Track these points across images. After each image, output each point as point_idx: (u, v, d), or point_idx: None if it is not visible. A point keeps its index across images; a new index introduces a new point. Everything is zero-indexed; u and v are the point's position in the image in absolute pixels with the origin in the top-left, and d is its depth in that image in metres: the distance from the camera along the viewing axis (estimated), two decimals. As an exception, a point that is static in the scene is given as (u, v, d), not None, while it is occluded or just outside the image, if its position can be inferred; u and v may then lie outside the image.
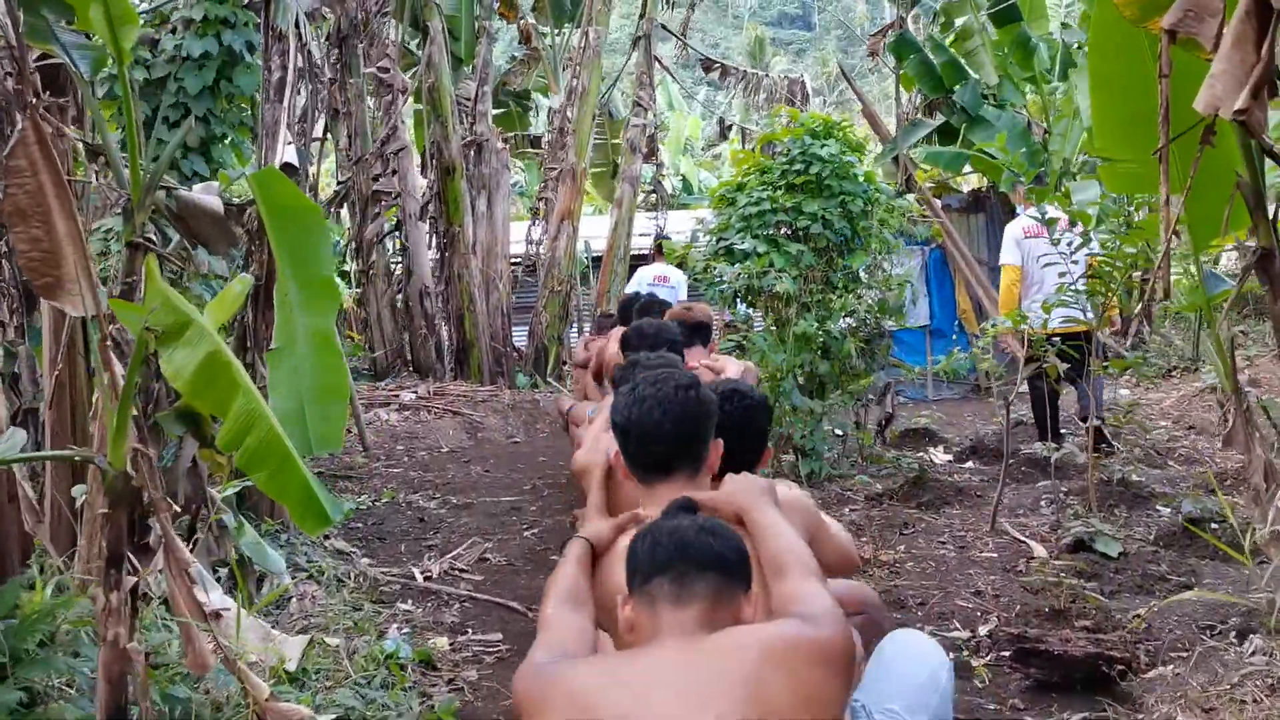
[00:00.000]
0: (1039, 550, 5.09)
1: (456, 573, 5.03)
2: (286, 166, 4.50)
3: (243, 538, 4.29)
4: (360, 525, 6.12)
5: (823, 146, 7.03)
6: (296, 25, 4.75)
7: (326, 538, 5.57)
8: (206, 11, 6.48)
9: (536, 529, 5.94)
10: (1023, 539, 5.28)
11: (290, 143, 4.56)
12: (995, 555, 5.09)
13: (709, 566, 1.83)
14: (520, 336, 12.75)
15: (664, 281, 12.65)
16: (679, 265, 8.76)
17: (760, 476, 2.30)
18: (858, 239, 7.17)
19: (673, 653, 1.74)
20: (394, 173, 11.78)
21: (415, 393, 10.53)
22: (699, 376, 2.48)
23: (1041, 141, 11.48)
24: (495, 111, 15.92)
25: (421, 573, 4.98)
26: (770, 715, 1.63)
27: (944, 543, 5.32)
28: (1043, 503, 6.02)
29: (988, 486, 6.64)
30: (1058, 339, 5.59)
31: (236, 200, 4.18)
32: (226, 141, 6.76)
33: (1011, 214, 11.97)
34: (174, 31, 6.66)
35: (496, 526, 6.06)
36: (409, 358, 11.95)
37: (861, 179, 7.14)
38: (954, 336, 11.71)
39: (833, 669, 1.73)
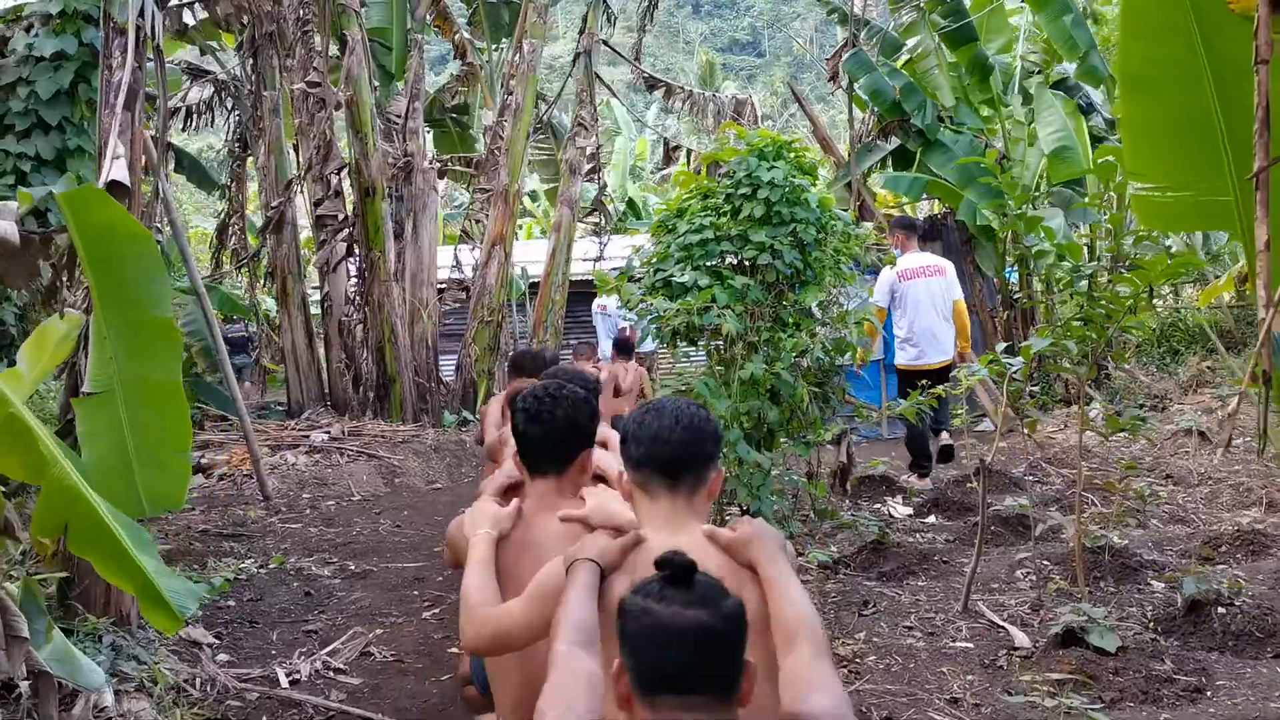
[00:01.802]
0: (1020, 639, 4.36)
1: (331, 674, 4.17)
2: (115, 185, 3.66)
3: (46, 646, 3.43)
4: (233, 602, 5.25)
5: (770, 169, 6.31)
6: (141, 15, 3.90)
7: (185, 622, 4.69)
8: (65, 5, 5.63)
9: (439, 608, 5.10)
10: (1001, 623, 4.55)
11: (120, 156, 3.71)
12: (971, 645, 4.34)
13: (710, 685, 1.64)
14: (450, 370, 11.91)
15: (603, 311, 12.02)
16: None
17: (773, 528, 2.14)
18: (810, 271, 6.44)
19: None
20: (337, 195, 10.93)
21: (328, 433, 9.63)
22: None
23: (1000, 164, 10.87)
24: (437, 131, 15.11)
25: (288, 674, 4.12)
26: None
27: (910, 628, 4.57)
28: (1019, 573, 5.30)
29: (954, 550, 5.93)
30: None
31: (40, 227, 3.34)
32: (88, 156, 5.89)
33: (969, 242, 11.41)
34: (29, 29, 5.80)
35: (393, 603, 5.21)
36: (326, 393, 11.06)
37: (815, 205, 6.41)
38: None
39: None
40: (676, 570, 1.70)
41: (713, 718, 1.64)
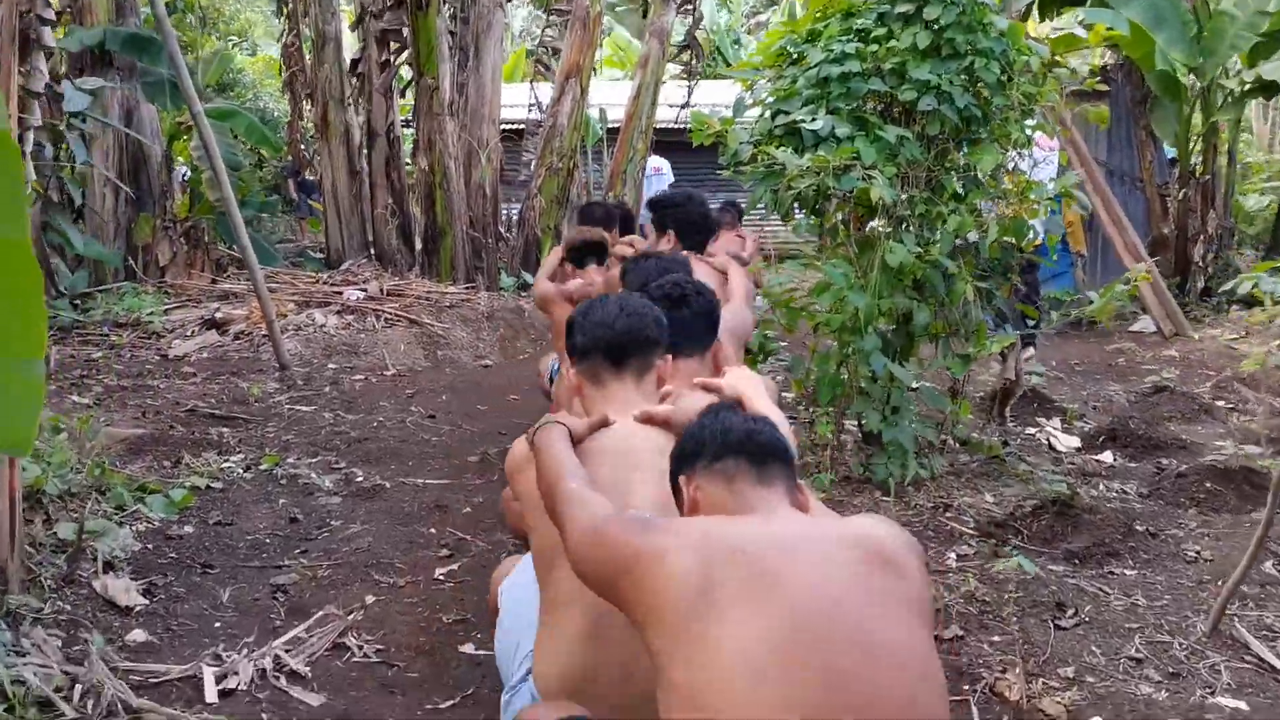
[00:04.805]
0: (1318, 696, 2.87)
1: (282, 683, 2.83)
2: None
3: None
4: (191, 528, 3.94)
5: (941, -19, 4.55)
6: None
7: (109, 567, 3.39)
8: None
9: (457, 563, 3.72)
10: (1277, 663, 3.05)
11: None
12: (1244, 706, 2.85)
13: (778, 452, 1.80)
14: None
15: (657, 172, 10.54)
16: (714, 145, 6.22)
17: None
18: (985, 126, 4.75)
19: (799, 524, 1.70)
20: (400, 4, 9.30)
21: (364, 290, 8.26)
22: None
23: (1194, 10, 8.79)
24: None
25: (219, 679, 2.79)
26: (910, 598, 1.61)
27: (1139, 660, 3.08)
28: (1271, 565, 3.77)
29: (1160, 515, 4.38)
30: None
31: None
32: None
33: (1144, 102, 9.44)
34: None
35: (399, 546, 3.87)
36: (370, 242, 9.66)
37: (999, 34, 4.67)
38: (1054, 257, 9.28)
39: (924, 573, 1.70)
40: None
41: (783, 497, 1.74)
